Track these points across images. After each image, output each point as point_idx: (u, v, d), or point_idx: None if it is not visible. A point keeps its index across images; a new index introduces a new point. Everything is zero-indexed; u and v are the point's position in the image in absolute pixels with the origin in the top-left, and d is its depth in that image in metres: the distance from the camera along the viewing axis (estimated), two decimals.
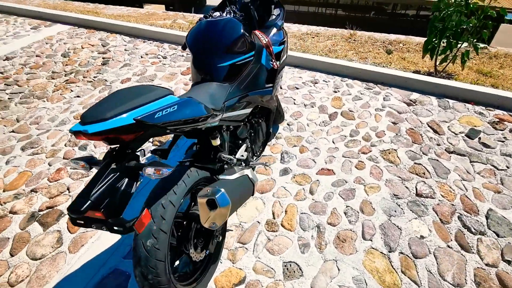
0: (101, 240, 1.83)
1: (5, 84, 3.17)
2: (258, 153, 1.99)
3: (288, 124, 2.79)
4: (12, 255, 1.74)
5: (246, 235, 1.87)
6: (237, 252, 1.78)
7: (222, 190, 1.17)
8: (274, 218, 1.97)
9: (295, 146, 2.55)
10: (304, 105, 3.04)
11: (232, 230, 1.89)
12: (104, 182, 0.97)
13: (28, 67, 3.47)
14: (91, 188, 0.95)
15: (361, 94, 3.21)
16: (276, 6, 2.07)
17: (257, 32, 1.85)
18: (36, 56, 3.69)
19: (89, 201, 0.92)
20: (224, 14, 1.89)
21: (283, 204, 2.06)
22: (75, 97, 3.02)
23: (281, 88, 2.44)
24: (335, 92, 3.25)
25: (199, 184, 1.43)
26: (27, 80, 3.24)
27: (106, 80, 3.30)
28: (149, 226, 1.18)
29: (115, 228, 0.98)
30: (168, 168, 1.05)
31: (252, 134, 1.86)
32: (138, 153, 1.10)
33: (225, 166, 1.49)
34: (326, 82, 3.43)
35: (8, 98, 2.97)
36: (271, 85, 1.88)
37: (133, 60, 3.70)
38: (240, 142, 1.72)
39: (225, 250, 1.79)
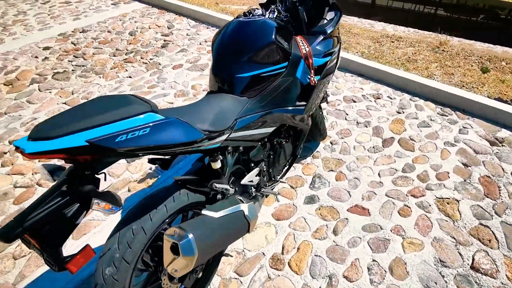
0: (103, 233, 1.81)
1: (74, 56, 3.40)
2: (277, 177, 1.73)
3: (331, 143, 2.44)
4: None
5: (245, 266, 1.66)
6: (230, 283, 1.59)
7: (190, 236, 0.97)
8: (282, 254, 1.72)
9: (331, 170, 2.21)
10: (357, 122, 2.64)
11: (231, 256, 1.69)
12: (49, 205, 0.85)
13: (97, 42, 3.67)
14: (31, 211, 0.83)
15: (431, 120, 2.67)
16: (331, 8, 1.74)
17: (298, 38, 1.56)
18: (107, 31, 3.89)
19: (21, 228, 0.80)
20: (267, 13, 1.64)
21: (297, 239, 1.79)
22: (127, 77, 3.09)
23: (327, 102, 2.10)
24: (399, 113, 2.76)
25: (190, 208, 1.26)
26: (92, 55, 3.43)
27: (159, 64, 3.31)
28: (111, 253, 1.05)
29: (49, 261, 0.86)
30: (116, 207, 0.88)
31: (271, 157, 1.61)
32: (100, 176, 0.95)
33: (218, 196, 1.29)
34: (391, 99, 2.94)
35: (72, 70, 3.17)
36: (304, 103, 1.59)
37: (191, 46, 3.65)
38: (253, 165, 1.49)
39: (218, 278, 1.61)
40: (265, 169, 1.58)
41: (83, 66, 3.23)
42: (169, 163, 1.31)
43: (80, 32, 3.85)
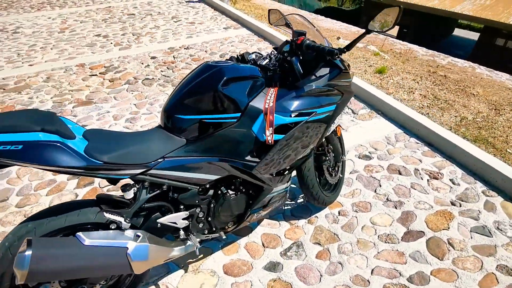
0: None
1: (167, 67, 3.99)
2: (219, 230, 1.59)
3: (339, 212, 2.08)
4: (47, 195, 2.24)
5: None
6: None
7: (28, 253, 1.02)
8: None
9: (318, 244, 1.89)
10: (387, 199, 2.17)
11: None
12: None
13: (191, 58, 4.20)
14: None
15: (498, 229, 1.96)
16: (327, 65, 1.52)
17: (271, 90, 1.44)
18: (204, 51, 4.41)
19: None
20: (260, 60, 1.58)
21: None
22: None
23: (329, 168, 1.78)
24: (453, 204, 2.12)
25: (93, 227, 1.32)
26: (180, 69, 3.95)
27: None
28: (4, 240, 1.21)
29: None
30: None
31: (212, 205, 1.50)
32: None
33: (112, 225, 1.29)
34: (453, 183, 2.29)
35: (158, 78, 3.73)
36: (257, 160, 1.44)
37: None
38: (182, 207, 1.43)
39: None
40: (201, 216, 1.50)
41: (167, 77, 3.77)
42: (116, 180, 1.40)
43: (184, 49, 4.50)
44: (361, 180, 2.33)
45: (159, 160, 1.29)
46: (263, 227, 2.00)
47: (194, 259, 1.80)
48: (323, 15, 9.94)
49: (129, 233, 1.28)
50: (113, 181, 1.36)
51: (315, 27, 1.63)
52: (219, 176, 1.44)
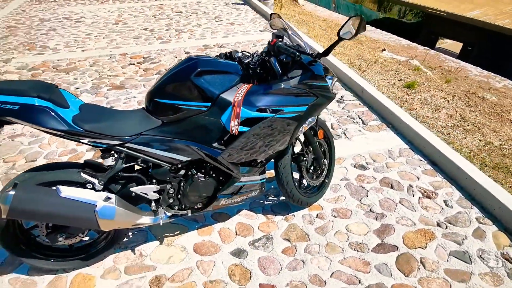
0: None
1: None
2: (188, 208, 1.73)
3: (316, 215, 2.13)
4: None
5: (134, 267, 1.80)
6: (112, 272, 1.77)
7: (11, 192, 1.26)
8: (168, 280, 1.74)
9: (287, 240, 1.96)
10: (370, 210, 2.16)
11: (134, 254, 1.86)
12: None
13: None
14: None
15: (481, 257, 1.86)
16: (300, 68, 1.60)
17: (244, 86, 1.57)
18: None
19: None
20: (244, 58, 1.73)
21: (191, 277, 1.76)
22: None
23: (305, 169, 1.82)
24: (439, 226, 2.05)
25: (78, 185, 1.54)
26: None
27: None
28: (7, 185, 1.48)
29: None
30: None
31: (182, 184, 1.65)
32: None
33: (88, 185, 1.49)
34: (446, 205, 2.20)
35: None
36: (223, 148, 1.57)
37: None
38: (154, 181, 1.61)
39: (111, 262, 1.82)
40: (171, 192, 1.66)
41: None
42: (108, 150, 1.63)
43: (218, 47, 4.76)
44: (349, 188, 2.34)
45: (136, 135, 1.49)
46: (241, 217, 2.11)
47: (170, 234, 1.98)
48: (380, 26, 9.57)
49: (101, 194, 1.49)
50: (102, 151, 1.58)
51: (289, 31, 1.72)
52: (189, 158, 1.60)
